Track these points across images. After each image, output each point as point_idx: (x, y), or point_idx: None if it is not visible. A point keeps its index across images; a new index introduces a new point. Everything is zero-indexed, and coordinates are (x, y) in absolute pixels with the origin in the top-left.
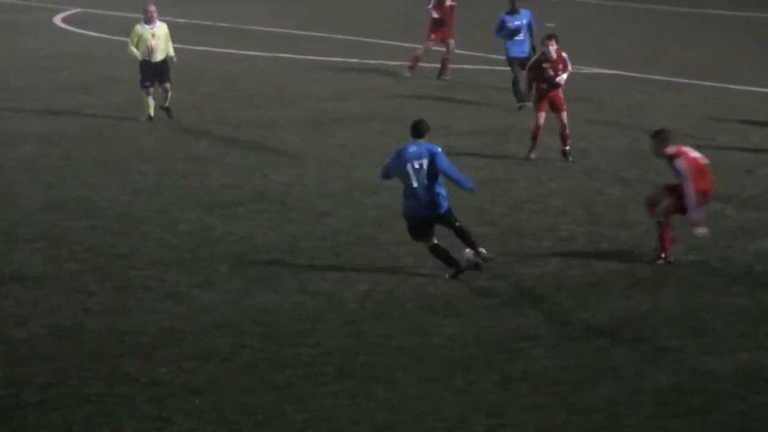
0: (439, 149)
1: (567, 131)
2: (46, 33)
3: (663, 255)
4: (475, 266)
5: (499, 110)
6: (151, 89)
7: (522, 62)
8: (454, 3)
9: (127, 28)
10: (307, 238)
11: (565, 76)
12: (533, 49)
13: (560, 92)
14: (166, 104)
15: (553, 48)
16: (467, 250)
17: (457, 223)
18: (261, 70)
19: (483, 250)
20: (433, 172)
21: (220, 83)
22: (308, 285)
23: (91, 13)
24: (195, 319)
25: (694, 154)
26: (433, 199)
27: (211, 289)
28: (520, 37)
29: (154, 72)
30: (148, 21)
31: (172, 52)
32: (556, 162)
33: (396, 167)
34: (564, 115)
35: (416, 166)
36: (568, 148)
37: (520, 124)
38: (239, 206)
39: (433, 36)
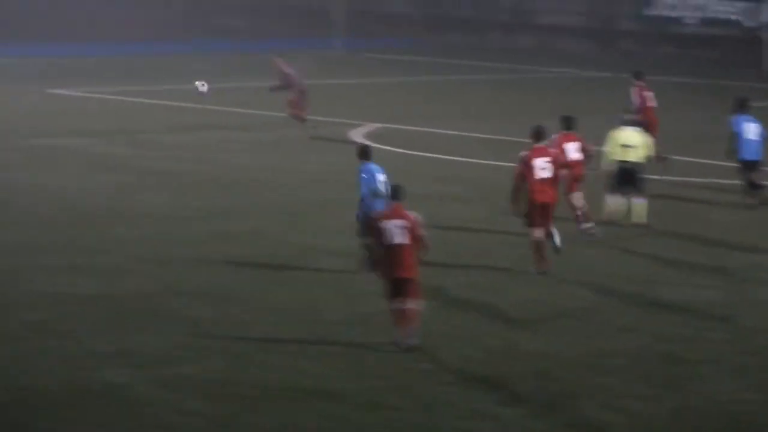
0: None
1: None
2: (344, 148)
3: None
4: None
5: None
6: (617, 194)
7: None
8: None
9: (425, 144)
10: (610, 354)
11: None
12: None
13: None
14: (641, 220)
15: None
16: None
17: None
18: None
19: None
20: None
21: None
22: (613, 402)
23: (390, 128)
24: None
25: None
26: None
27: (516, 405)
28: (753, 138)
29: (626, 177)
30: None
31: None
32: None
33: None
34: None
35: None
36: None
37: None
38: (544, 322)
39: None
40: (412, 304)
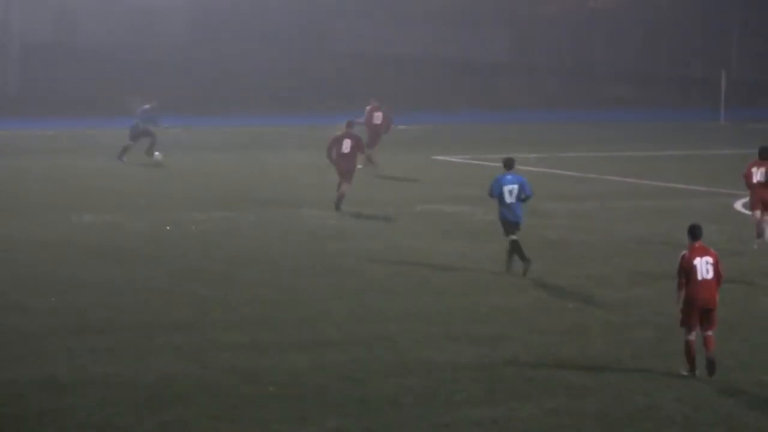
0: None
1: None
2: (726, 217)
3: None
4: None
5: None
6: None
7: None
8: None
9: None
10: None
11: None
12: None
13: None
14: None
15: None
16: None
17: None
18: None
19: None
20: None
21: None
22: None
23: None
24: None
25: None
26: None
27: None
28: None
29: None
30: None
31: None
32: None
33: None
34: None
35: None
36: None
37: None
38: None
39: None
40: (711, 332)
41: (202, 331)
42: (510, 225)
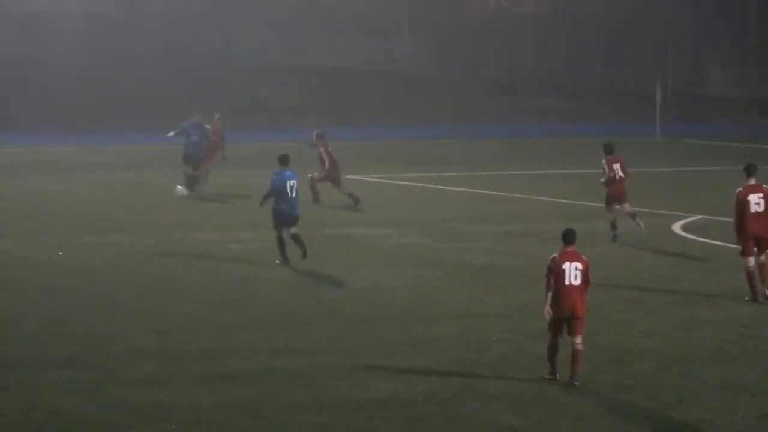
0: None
1: None
2: (664, 240)
3: None
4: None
5: None
6: None
7: None
8: None
9: None
10: None
11: None
12: None
13: None
14: None
15: None
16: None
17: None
18: None
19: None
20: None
21: None
22: None
23: (712, 220)
24: None
25: None
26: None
27: None
28: None
29: None
30: None
31: None
32: None
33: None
34: None
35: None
36: None
37: None
38: None
39: None
40: (579, 342)
41: (98, 365)
42: (289, 218)
